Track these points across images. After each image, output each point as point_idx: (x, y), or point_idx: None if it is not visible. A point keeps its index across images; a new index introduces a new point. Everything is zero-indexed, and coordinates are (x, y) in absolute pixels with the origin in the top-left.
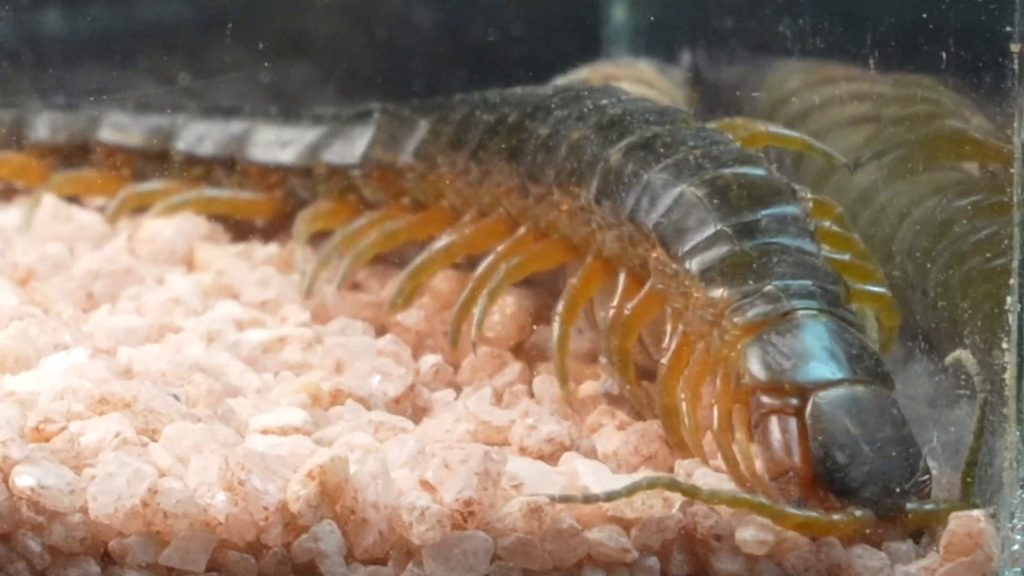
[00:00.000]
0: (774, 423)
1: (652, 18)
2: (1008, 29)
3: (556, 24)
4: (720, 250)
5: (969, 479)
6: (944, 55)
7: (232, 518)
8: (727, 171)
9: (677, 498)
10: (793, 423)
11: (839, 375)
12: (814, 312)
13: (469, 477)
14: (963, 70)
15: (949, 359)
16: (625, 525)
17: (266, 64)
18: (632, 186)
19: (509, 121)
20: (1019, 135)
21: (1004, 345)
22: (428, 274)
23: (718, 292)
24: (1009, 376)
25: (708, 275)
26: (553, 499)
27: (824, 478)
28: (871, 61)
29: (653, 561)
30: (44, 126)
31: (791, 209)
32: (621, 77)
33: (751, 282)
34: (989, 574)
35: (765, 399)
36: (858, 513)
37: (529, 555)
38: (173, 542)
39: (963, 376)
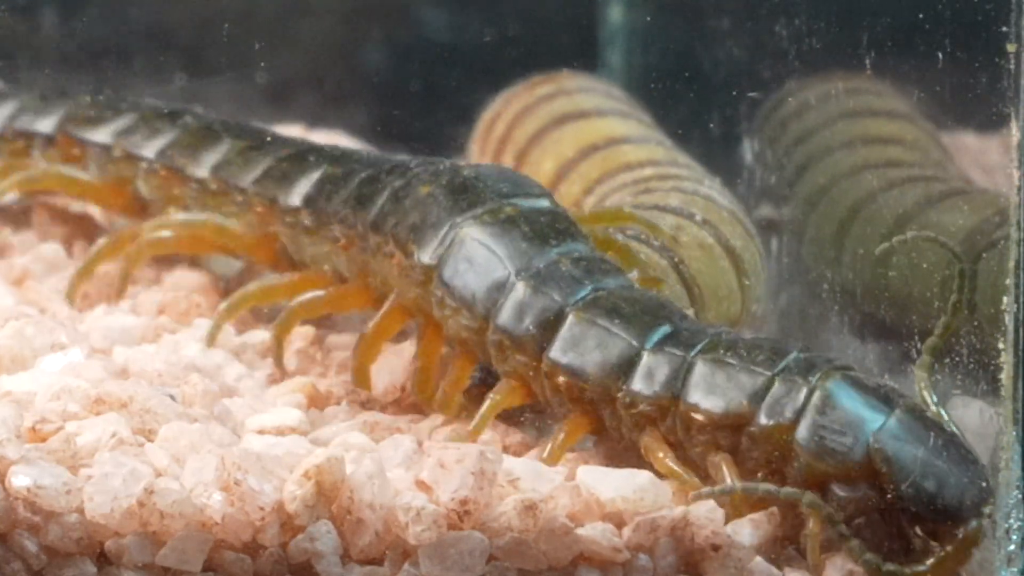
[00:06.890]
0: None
1: (648, 19)
2: (1004, 29)
3: (552, 25)
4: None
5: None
6: (940, 55)
7: (228, 518)
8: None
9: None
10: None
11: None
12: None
13: (465, 477)
14: (959, 70)
15: None
16: (618, 523)
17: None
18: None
19: None
20: (1017, 135)
21: (1001, 345)
22: (290, 328)
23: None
24: (1006, 377)
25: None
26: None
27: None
28: (867, 62)
29: (646, 560)
30: None
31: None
32: (557, 94)
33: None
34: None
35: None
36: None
37: (524, 555)
38: (169, 542)
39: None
